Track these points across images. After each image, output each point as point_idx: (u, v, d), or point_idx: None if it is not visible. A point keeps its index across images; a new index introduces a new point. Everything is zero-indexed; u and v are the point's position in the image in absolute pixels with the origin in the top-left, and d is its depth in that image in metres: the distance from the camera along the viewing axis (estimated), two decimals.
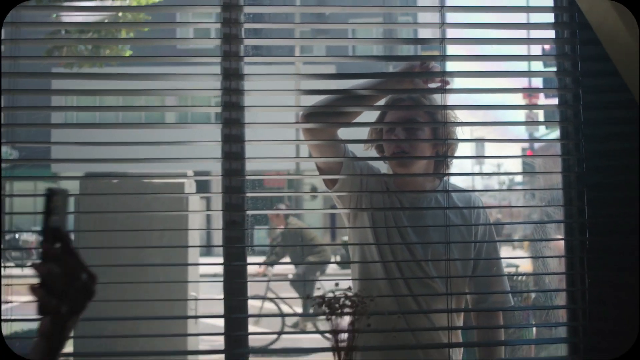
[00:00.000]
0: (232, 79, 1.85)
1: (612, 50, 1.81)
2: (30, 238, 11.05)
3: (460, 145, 1.97)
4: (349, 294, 1.32)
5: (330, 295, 1.31)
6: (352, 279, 1.94)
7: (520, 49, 2.07)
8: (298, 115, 1.98)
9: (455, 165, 2.03)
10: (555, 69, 1.97)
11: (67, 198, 0.97)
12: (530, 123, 4.05)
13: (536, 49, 2.17)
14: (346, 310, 1.26)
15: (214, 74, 1.87)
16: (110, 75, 1.87)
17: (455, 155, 1.98)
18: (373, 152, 2.03)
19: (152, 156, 1.87)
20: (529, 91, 2.23)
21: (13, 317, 1.75)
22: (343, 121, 1.95)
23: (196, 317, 2.20)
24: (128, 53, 5.73)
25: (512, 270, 4.86)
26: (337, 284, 1.49)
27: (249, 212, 1.88)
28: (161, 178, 2.25)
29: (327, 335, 1.31)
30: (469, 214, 1.93)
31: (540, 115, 2.54)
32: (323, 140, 1.93)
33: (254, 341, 1.85)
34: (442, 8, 1.87)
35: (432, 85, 1.91)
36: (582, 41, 1.90)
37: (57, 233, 0.95)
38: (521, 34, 1.98)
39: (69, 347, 1.99)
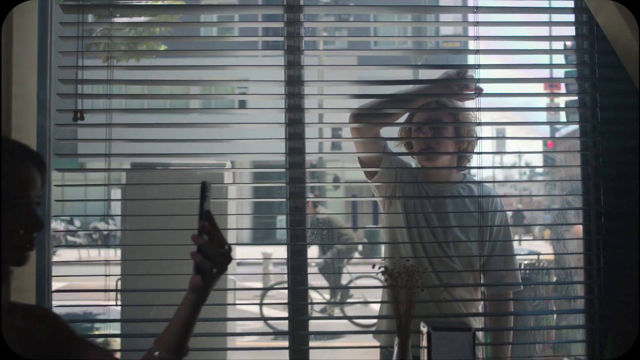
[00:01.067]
0: (295, 82, 2.16)
1: (625, 60, 2.08)
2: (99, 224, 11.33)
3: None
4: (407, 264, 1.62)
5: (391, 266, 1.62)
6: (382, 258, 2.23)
7: (544, 58, 2.36)
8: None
9: (476, 159, 2.28)
10: (576, 75, 2.25)
11: (211, 188, 1.29)
12: (552, 123, 4.30)
13: (559, 58, 2.43)
14: (403, 276, 1.56)
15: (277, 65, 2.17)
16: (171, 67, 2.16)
17: (476, 150, 2.26)
18: (402, 149, 2.33)
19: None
20: (554, 95, 2.51)
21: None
22: (386, 121, 2.25)
23: (270, 289, 2.52)
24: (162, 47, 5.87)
25: (534, 257, 5.15)
26: (373, 266, 1.75)
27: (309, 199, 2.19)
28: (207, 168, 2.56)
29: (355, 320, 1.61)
30: (486, 203, 2.21)
31: (562, 116, 2.79)
32: (367, 138, 2.23)
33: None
34: (477, 9, 2.16)
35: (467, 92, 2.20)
36: (599, 51, 2.18)
37: (208, 215, 1.27)
38: (545, 45, 2.27)
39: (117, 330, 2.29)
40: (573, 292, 2.62)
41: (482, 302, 2.21)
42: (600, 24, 2.11)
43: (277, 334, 3.44)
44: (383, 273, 1.64)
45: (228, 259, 1.27)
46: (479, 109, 2.17)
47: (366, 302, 6.58)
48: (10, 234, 1.19)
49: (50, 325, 1.32)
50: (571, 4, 2.25)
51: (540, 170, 17.39)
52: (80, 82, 2.11)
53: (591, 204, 2.19)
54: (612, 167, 2.16)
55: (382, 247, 2.27)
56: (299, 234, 2.17)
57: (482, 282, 2.17)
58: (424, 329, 1.57)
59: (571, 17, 2.24)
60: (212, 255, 1.25)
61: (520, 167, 9.76)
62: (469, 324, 1.78)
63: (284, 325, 2.16)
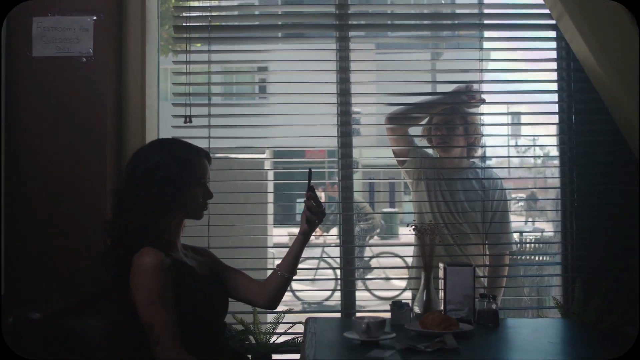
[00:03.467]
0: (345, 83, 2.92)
1: (591, 76, 2.80)
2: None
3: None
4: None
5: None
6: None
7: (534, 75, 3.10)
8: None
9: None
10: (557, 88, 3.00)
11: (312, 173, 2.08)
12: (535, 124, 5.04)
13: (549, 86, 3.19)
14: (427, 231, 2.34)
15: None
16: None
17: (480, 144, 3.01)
18: (425, 143, 3.08)
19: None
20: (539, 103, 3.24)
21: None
22: (414, 123, 3.01)
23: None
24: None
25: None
26: (407, 225, 2.50)
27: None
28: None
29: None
30: (489, 184, 2.96)
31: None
32: (401, 135, 2.99)
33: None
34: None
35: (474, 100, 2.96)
36: (574, 69, 2.91)
37: (312, 188, 2.06)
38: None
39: None
40: (552, 250, 3.38)
41: (485, 259, 2.98)
42: (574, 49, 2.84)
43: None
44: (414, 229, 2.42)
45: (324, 215, 2.06)
46: (482, 114, 2.93)
47: (387, 278, 7.33)
48: (196, 200, 1.98)
49: (210, 257, 2.14)
50: (554, 34, 2.98)
51: (555, 152, 18.19)
52: (189, 95, 2.88)
53: (567, 183, 2.93)
54: (583, 157, 2.90)
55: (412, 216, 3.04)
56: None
57: (484, 244, 2.95)
58: (441, 265, 2.34)
59: (554, 44, 2.98)
60: (316, 213, 2.05)
61: (512, 156, 10.49)
62: None
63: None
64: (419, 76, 3.15)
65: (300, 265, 2.19)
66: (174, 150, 1.98)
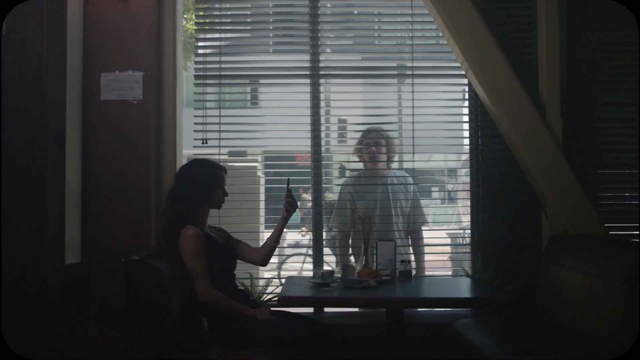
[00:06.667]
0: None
1: (489, 111, 4.00)
2: None
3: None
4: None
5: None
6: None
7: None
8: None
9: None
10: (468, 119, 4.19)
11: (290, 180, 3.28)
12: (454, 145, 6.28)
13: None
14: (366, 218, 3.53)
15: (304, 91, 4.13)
16: None
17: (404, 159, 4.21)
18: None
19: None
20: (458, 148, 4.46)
21: None
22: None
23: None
24: None
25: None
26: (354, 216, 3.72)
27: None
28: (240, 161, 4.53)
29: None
30: (406, 185, 4.14)
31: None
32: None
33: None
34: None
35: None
36: (481, 106, 4.10)
37: (290, 191, 3.26)
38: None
39: None
40: (464, 233, 4.58)
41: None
42: (477, 92, 4.04)
43: None
44: (360, 218, 3.61)
45: (296, 207, 3.26)
46: (399, 137, 4.13)
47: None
48: (218, 197, 3.16)
49: (225, 232, 3.34)
50: (466, 81, 4.18)
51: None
52: (204, 124, 4.07)
53: (474, 187, 4.14)
54: (487, 168, 4.11)
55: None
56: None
57: (407, 223, 4.13)
58: (374, 241, 3.54)
59: (467, 87, 4.19)
60: (292, 206, 3.25)
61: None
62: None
63: None
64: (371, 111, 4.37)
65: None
66: (205, 165, 3.18)
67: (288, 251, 6.21)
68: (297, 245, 6.68)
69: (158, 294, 2.62)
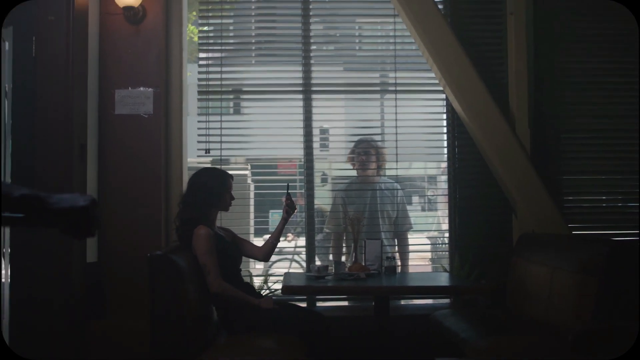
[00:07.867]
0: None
1: (468, 129, 4.45)
2: None
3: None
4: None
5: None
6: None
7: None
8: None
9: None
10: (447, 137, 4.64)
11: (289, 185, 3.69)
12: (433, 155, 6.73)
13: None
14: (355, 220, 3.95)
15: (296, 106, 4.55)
16: None
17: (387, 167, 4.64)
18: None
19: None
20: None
21: None
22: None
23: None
24: None
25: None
26: (345, 218, 4.14)
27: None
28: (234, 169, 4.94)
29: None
30: (393, 191, 4.57)
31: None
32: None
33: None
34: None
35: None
36: (458, 124, 4.54)
37: (289, 195, 3.66)
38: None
39: None
40: (443, 235, 5.03)
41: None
42: (454, 106, 4.48)
43: None
44: (350, 220, 4.02)
45: (295, 209, 3.67)
46: (384, 147, 4.56)
47: None
48: (226, 201, 3.57)
49: (231, 232, 3.75)
50: (444, 96, 4.62)
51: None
52: (208, 135, 4.46)
53: (452, 192, 4.57)
54: (463, 175, 4.55)
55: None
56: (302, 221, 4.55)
57: (394, 225, 4.55)
58: (363, 240, 3.95)
59: (444, 102, 4.63)
60: (291, 208, 3.65)
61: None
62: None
63: None
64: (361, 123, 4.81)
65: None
66: (214, 174, 3.59)
67: (274, 257, 6.60)
68: (280, 252, 7.10)
69: (178, 284, 3.01)
